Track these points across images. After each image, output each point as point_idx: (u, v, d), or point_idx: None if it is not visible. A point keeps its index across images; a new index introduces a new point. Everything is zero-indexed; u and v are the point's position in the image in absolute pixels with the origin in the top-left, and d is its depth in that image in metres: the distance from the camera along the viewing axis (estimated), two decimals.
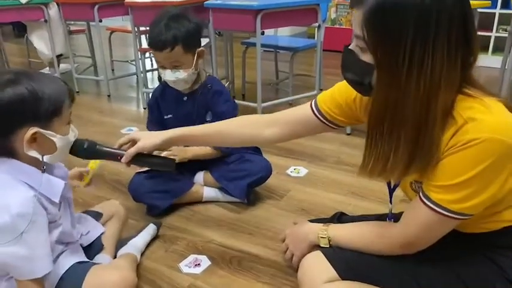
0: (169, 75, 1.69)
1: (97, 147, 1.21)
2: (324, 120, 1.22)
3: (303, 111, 1.25)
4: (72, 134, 1.14)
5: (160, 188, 1.74)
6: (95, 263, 1.26)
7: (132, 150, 1.20)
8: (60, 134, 1.09)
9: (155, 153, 1.30)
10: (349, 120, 1.20)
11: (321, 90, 3.21)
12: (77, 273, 1.18)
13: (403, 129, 0.91)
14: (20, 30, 3.83)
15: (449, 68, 0.86)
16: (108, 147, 1.24)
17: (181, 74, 1.68)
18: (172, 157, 1.38)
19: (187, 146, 1.74)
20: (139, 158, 1.22)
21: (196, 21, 1.70)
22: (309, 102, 1.25)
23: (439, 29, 0.83)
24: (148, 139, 1.23)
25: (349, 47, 0.96)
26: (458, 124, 0.88)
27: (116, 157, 1.22)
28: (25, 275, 1.08)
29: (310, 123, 1.24)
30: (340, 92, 1.19)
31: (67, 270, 1.18)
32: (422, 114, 0.88)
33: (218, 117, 1.72)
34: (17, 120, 1.03)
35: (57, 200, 1.13)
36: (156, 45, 1.64)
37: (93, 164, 1.33)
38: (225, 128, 1.32)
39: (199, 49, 1.71)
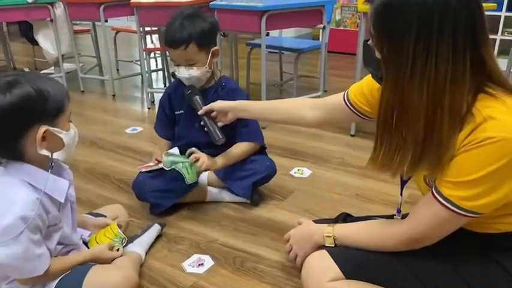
0: (183, 72, 1.70)
1: (195, 97, 1.65)
2: (353, 109, 1.27)
3: (339, 98, 1.31)
4: (73, 131, 1.15)
5: (164, 187, 1.74)
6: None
7: (207, 106, 1.56)
8: (65, 130, 1.11)
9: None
10: (373, 110, 1.22)
11: (326, 91, 3.21)
12: (77, 273, 1.19)
13: (410, 127, 0.92)
14: (26, 30, 3.83)
15: (456, 71, 0.86)
16: (198, 101, 1.64)
17: (195, 72, 1.69)
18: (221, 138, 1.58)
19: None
20: (210, 118, 1.58)
21: (211, 20, 1.72)
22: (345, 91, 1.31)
23: (443, 31, 0.83)
24: (221, 102, 1.53)
25: (368, 42, 0.98)
26: (477, 122, 0.87)
27: (198, 108, 1.61)
28: (26, 274, 1.10)
29: (343, 111, 1.30)
30: (367, 83, 1.23)
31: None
32: (429, 115, 0.88)
33: None
34: (28, 120, 1.04)
35: (62, 200, 1.14)
36: (171, 43, 1.68)
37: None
38: (280, 105, 1.47)
39: (214, 48, 1.72)
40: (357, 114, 1.28)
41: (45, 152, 1.08)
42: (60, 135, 1.09)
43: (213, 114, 1.57)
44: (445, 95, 0.87)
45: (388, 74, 0.91)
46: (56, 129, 1.08)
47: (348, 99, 1.28)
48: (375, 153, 1.00)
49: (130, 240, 1.48)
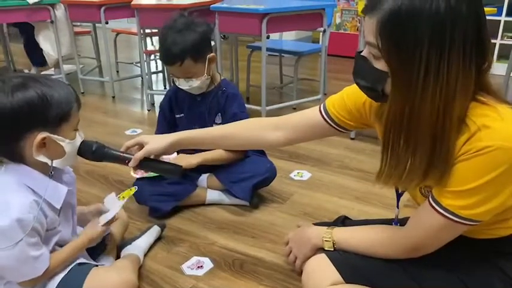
0: (183, 84, 1.72)
1: (105, 150, 1.22)
2: (333, 124, 1.21)
3: (311, 115, 1.24)
4: (79, 139, 1.15)
5: (163, 191, 1.74)
6: (96, 265, 1.26)
7: (140, 154, 1.20)
8: (69, 139, 1.10)
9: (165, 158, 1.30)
10: (357, 124, 1.20)
11: (325, 94, 3.22)
12: (77, 275, 1.19)
13: (420, 138, 0.90)
14: (23, 32, 3.84)
15: (465, 75, 0.85)
16: (116, 151, 1.24)
17: (195, 82, 1.71)
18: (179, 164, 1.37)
19: (193, 152, 1.73)
20: (146, 162, 1.22)
21: (202, 29, 1.71)
22: (317, 106, 1.25)
23: (455, 37, 0.83)
24: (156, 143, 1.23)
25: (362, 54, 0.95)
26: (472, 131, 0.87)
27: (123, 161, 1.22)
28: (23, 277, 1.09)
29: (318, 127, 1.23)
30: (349, 96, 1.18)
31: (67, 272, 1.18)
32: (439, 122, 0.87)
33: (230, 118, 1.75)
34: (26, 125, 1.04)
35: (58, 206, 1.14)
36: (166, 60, 1.71)
37: (126, 194, 1.30)
38: (231, 131, 1.32)
39: (210, 55, 1.72)
40: (336, 129, 1.22)
41: (43, 159, 1.07)
42: (62, 144, 1.08)
43: (152, 157, 1.25)
44: (455, 102, 0.86)
45: (397, 84, 0.89)
46: (57, 136, 1.07)
47: (327, 114, 1.20)
48: (382, 169, 0.98)
49: (129, 242, 1.48)
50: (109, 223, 1.27)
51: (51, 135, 1.06)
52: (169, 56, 1.66)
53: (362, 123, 1.19)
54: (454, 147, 0.89)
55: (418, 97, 0.87)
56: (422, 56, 0.84)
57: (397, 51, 0.86)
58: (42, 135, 1.04)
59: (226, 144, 1.36)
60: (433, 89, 0.85)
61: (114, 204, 1.31)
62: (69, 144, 1.10)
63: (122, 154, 1.23)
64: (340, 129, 1.22)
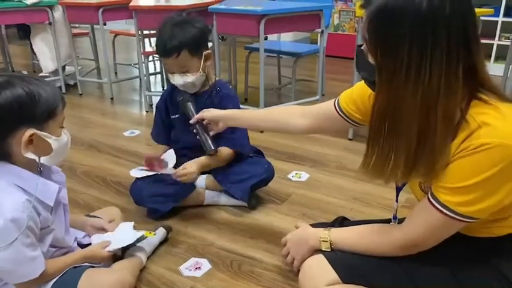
0: (178, 80, 1.72)
1: (188, 104, 1.65)
2: (344, 116, 1.26)
3: (329, 106, 1.31)
4: (65, 137, 1.15)
5: (162, 192, 1.74)
6: (91, 266, 1.26)
7: (199, 115, 1.55)
8: (55, 136, 1.10)
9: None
10: (364, 117, 1.22)
11: (323, 95, 3.22)
12: (71, 277, 1.19)
13: (402, 132, 0.92)
14: (23, 31, 3.82)
15: (449, 77, 0.86)
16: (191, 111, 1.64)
17: (190, 78, 1.71)
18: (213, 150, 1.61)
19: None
20: (202, 126, 1.58)
21: (200, 25, 1.73)
22: (336, 98, 1.30)
23: (437, 36, 0.84)
24: (212, 111, 1.54)
25: (362, 47, 0.98)
26: (471, 128, 0.88)
27: (190, 117, 1.59)
28: (20, 278, 1.09)
29: (332, 118, 1.29)
30: (358, 89, 1.22)
31: (61, 275, 1.18)
32: (422, 120, 0.89)
33: None
34: (14, 122, 1.04)
35: (51, 204, 1.14)
36: (163, 52, 1.70)
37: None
38: (270, 115, 1.49)
39: (206, 52, 1.73)
40: (349, 122, 1.27)
41: (31, 156, 1.08)
42: (49, 140, 1.09)
43: (205, 122, 1.57)
44: (439, 102, 0.87)
45: (382, 78, 0.92)
46: (44, 133, 1.07)
47: (339, 107, 1.27)
48: (366, 158, 1.00)
49: (133, 243, 1.48)
50: (116, 251, 1.32)
51: (39, 132, 1.06)
52: (167, 48, 1.66)
53: (368, 116, 1.19)
54: (443, 146, 0.90)
55: (400, 92, 0.89)
56: (403, 53, 0.86)
57: (380, 47, 0.89)
58: (30, 131, 1.05)
59: (263, 125, 1.56)
60: (414, 86, 0.87)
61: (129, 234, 1.39)
62: (55, 141, 1.10)
63: (192, 112, 1.62)
64: (351, 122, 1.26)
